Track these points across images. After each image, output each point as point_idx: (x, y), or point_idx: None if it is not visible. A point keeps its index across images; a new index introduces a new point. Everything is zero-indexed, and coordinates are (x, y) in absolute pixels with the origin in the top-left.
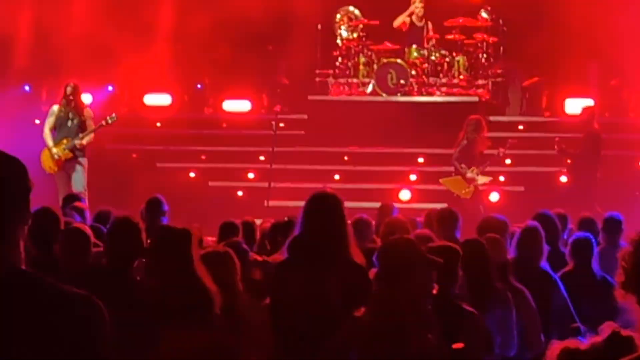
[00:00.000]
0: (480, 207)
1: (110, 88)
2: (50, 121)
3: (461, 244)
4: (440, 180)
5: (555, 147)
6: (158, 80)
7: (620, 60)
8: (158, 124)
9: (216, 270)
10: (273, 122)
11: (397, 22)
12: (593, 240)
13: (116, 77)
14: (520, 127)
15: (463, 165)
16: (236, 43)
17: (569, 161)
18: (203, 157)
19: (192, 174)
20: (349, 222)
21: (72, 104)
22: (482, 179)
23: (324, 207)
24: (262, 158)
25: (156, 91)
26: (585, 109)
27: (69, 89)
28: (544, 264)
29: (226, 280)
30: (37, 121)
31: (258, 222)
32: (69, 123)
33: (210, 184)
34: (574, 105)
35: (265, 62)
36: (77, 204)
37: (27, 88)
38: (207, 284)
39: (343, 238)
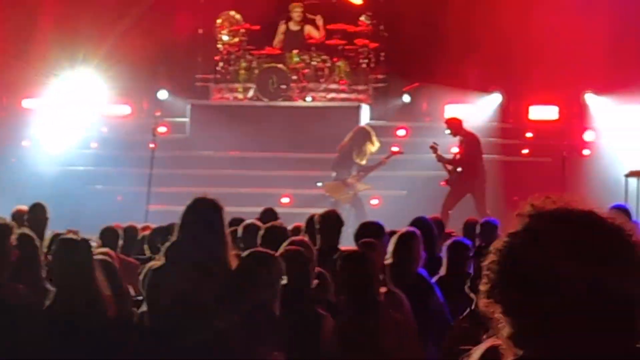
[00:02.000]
0: (361, 212)
1: None
2: None
3: (341, 252)
4: (320, 184)
5: (433, 154)
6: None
7: (502, 66)
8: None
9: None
10: (153, 127)
11: (276, 42)
12: (469, 244)
13: None
14: (401, 132)
15: (344, 171)
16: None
17: (449, 167)
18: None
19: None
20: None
21: None
22: (362, 186)
23: (202, 212)
24: (142, 162)
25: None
26: (450, 120)
27: None
28: (421, 269)
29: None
30: None
31: (139, 226)
32: None
33: (91, 188)
34: (455, 111)
35: (145, 67)
36: None
37: None
38: (102, 289)
39: (221, 244)
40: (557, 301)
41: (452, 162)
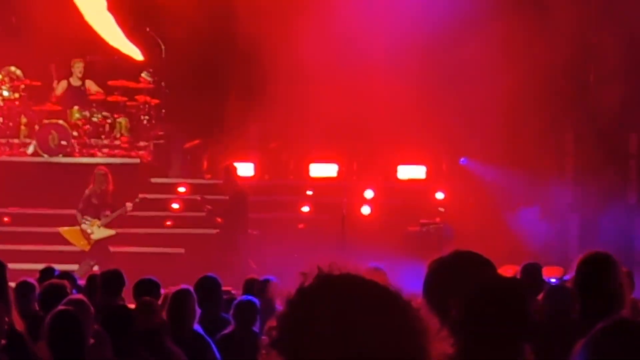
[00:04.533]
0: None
1: None
2: None
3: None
4: (60, 229)
5: (204, 209)
6: None
7: (279, 122)
8: None
9: None
10: None
11: (57, 98)
12: (256, 302)
13: None
14: (182, 189)
15: (85, 218)
16: None
17: (219, 220)
18: None
19: None
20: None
21: None
22: (100, 232)
23: None
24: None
25: None
26: (224, 168)
27: None
28: (197, 326)
29: None
30: None
31: None
32: None
33: None
34: (240, 168)
35: None
36: None
37: None
38: None
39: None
40: None
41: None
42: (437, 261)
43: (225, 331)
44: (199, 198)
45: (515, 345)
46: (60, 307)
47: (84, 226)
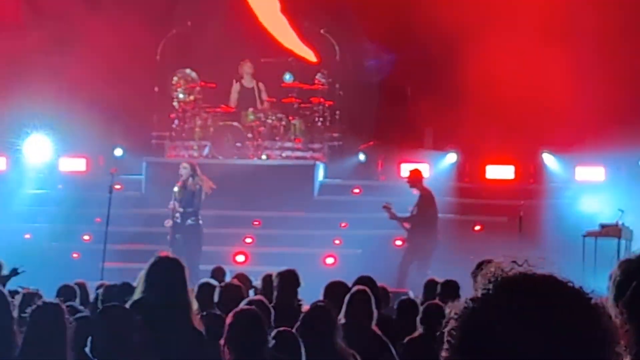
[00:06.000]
0: None
1: None
2: None
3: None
4: None
5: (386, 213)
6: None
7: (454, 125)
8: None
9: None
10: (109, 184)
11: (231, 101)
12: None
13: None
14: (356, 190)
15: None
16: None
17: (406, 225)
18: (39, 218)
19: (27, 235)
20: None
21: None
22: None
23: (166, 271)
24: (97, 220)
25: None
26: (413, 172)
27: None
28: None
29: None
30: None
31: (95, 284)
32: None
33: (45, 245)
34: (407, 169)
35: (102, 123)
36: None
37: None
38: None
39: (184, 303)
40: None
41: (407, 219)
42: (630, 261)
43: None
44: (385, 205)
45: None
46: (244, 307)
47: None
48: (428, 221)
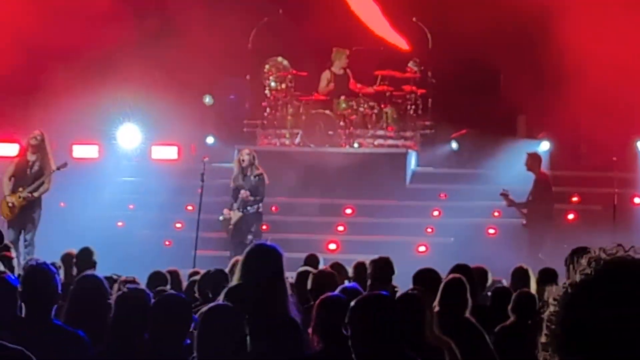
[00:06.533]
0: None
1: None
2: (9, 170)
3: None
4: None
5: (504, 201)
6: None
7: (547, 112)
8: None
9: None
10: (201, 172)
11: (321, 89)
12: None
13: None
14: (448, 178)
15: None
16: (168, 93)
17: (524, 211)
18: (131, 206)
19: (119, 223)
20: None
21: (35, 153)
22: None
23: (264, 258)
24: (189, 208)
25: (83, 142)
26: (531, 155)
27: (33, 139)
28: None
29: None
30: None
31: (186, 271)
32: (28, 172)
33: (137, 233)
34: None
35: (194, 111)
36: (5, 253)
37: None
38: None
39: (279, 291)
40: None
41: (524, 205)
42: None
43: (507, 322)
44: (502, 191)
45: None
46: (332, 295)
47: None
48: (545, 206)
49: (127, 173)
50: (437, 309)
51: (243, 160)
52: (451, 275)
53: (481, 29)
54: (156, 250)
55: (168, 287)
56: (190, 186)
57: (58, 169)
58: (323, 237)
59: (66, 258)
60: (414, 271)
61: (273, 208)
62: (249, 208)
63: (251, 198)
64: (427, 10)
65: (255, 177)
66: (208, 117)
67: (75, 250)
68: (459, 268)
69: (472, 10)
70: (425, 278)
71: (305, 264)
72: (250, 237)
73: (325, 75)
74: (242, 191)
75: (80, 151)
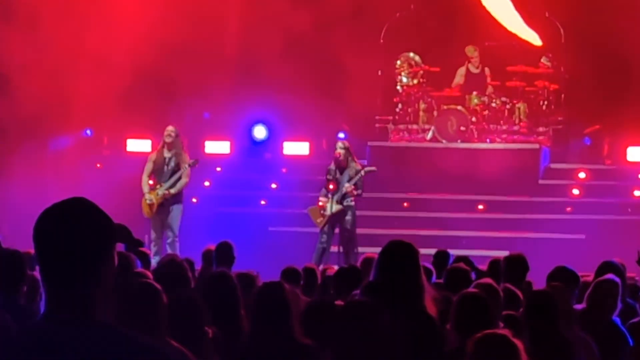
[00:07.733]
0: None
1: None
2: (147, 167)
3: (530, 293)
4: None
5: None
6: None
7: None
8: (218, 169)
9: None
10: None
11: (454, 84)
12: None
13: None
14: (582, 174)
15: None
16: (299, 87)
17: None
18: (263, 202)
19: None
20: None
21: (171, 149)
22: (334, 207)
23: (400, 256)
24: (320, 203)
25: (215, 138)
26: None
27: (168, 136)
28: (615, 317)
29: None
30: (98, 165)
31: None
32: (165, 168)
33: (270, 229)
34: (636, 153)
35: (325, 107)
36: (140, 249)
37: (88, 132)
38: None
39: (416, 287)
40: None
41: None
42: None
43: (635, 319)
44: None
45: None
46: (469, 290)
47: (321, 201)
48: None
49: (258, 169)
50: (583, 306)
51: (338, 154)
52: (606, 276)
53: (615, 23)
54: (285, 246)
55: (301, 283)
56: (320, 182)
57: (190, 165)
58: (454, 232)
59: (206, 254)
60: (546, 267)
61: (405, 204)
62: (349, 199)
63: (355, 192)
64: (560, 5)
65: (355, 171)
66: (339, 113)
67: (214, 246)
68: (609, 267)
69: (605, 4)
70: (562, 276)
71: (435, 259)
72: (348, 227)
73: (461, 70)
74: (347, 184)
75: (212, 147)
